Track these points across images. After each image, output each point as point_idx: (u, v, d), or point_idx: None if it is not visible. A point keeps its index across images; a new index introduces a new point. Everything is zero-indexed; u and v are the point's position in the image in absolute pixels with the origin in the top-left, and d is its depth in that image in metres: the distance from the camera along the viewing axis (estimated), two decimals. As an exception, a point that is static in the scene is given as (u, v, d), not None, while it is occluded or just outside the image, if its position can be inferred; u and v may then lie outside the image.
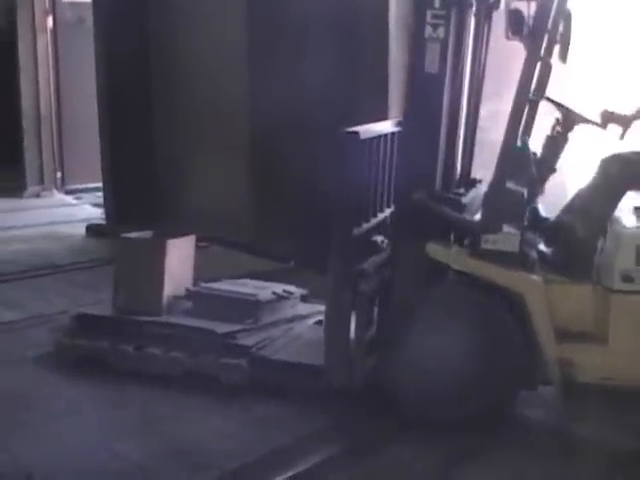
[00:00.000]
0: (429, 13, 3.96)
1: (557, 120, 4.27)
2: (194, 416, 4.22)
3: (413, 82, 4.06)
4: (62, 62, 10.71)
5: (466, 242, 4.17)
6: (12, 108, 11.03)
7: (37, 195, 10.90)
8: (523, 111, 3.97)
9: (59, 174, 11.00)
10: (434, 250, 4.05)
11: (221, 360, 4.47)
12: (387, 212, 4.51)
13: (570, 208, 4.29)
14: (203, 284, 5.04)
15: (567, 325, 3.95)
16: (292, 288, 5.06)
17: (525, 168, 4.04)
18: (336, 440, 4.00)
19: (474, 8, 4.14)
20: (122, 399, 4.39)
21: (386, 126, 4.51)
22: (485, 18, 4.26)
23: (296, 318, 4.94)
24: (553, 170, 4.26)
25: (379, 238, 4.40)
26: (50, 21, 10.74)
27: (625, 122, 4.16)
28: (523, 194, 3.98)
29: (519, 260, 3.97)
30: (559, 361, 3.91)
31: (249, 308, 4.73)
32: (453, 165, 4.32)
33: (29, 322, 5.61)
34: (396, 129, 4.50)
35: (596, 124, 4.14)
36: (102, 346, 4.72)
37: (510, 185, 3.96)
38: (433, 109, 4.04)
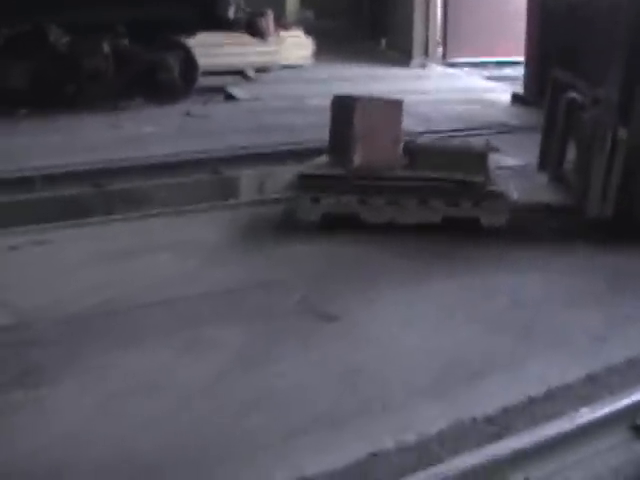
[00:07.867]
0: None
1: None
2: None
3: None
4: None
5: None
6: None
7: (422, 66, 11.80)
8: None
9: (440, 48, 12.14)
10: None
11: (482, 204, 4.98)
12: None
13: None
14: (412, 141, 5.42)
15: None
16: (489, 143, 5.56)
17: None
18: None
19: None
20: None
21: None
22: None
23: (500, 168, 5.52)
24: None
25: None
26: None
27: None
28: None
29: None
30: None
31: (476, 159, 5.19)
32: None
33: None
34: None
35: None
36: (349, 202, 5.01)
37: None
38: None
